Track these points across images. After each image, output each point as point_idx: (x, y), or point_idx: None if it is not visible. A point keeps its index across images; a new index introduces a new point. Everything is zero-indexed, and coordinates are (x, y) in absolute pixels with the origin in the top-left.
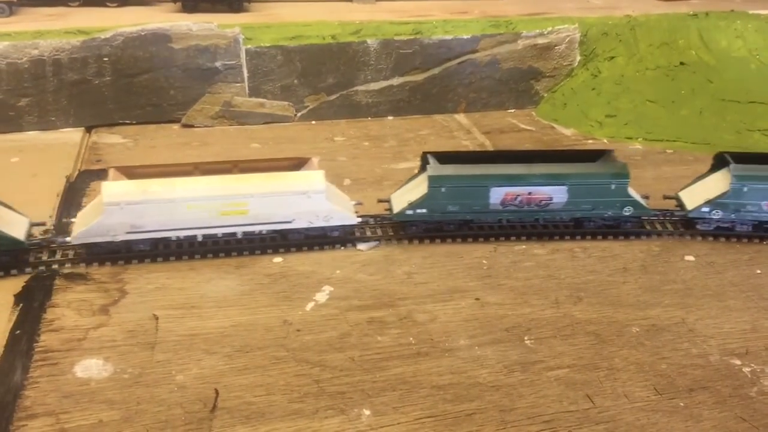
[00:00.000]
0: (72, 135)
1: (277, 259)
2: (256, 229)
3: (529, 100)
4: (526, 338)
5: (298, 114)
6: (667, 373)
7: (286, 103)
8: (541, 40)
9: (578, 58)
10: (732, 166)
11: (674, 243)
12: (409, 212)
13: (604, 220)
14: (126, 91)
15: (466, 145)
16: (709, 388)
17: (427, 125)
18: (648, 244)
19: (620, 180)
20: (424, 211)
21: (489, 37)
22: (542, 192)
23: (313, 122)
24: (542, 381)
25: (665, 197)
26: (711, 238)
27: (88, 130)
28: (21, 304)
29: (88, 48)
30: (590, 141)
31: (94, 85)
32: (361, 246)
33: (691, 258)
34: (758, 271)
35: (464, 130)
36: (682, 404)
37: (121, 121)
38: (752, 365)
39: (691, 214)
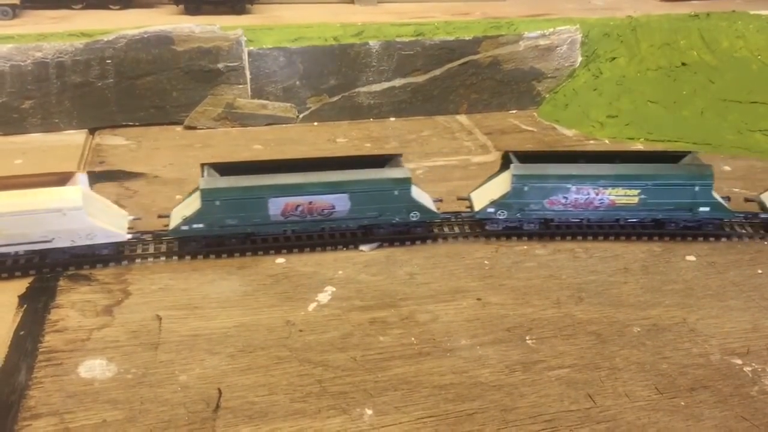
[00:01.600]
0: (75, 137)
1: (280, 260)
2: (11, 250)
3: (530, 100)
4: (527, 338)
5: (300, 115)
6: (668, 373)
7: (289, 104)
8: (542, 41)
9: (580, 59)
10: (512, 166)
11: (676, 243)
12: (185, 228)
13: (392, 227)
14: (129, 93)
15: (468, 146)
16: (710, 388)
17: (429, 126)
18: (649, 244)
19: (403, 186)
20: (200, 225)
21: (490, 38)
22: (323, 201)
23: (315, 123)
24: (543, 380)
25: (458, 198)
26: (712, 239)
27: (92, 132)
28: (25, 305)
29: (91, 50)
30: (592, 141)
31: (97, 87)
32: (363, 247)
33: (692, 258)
34: (759, 271)
35: (466, 131)
36: (683, 403)
37: (124, 123)
38: (753, 365)
39: (478, 215)
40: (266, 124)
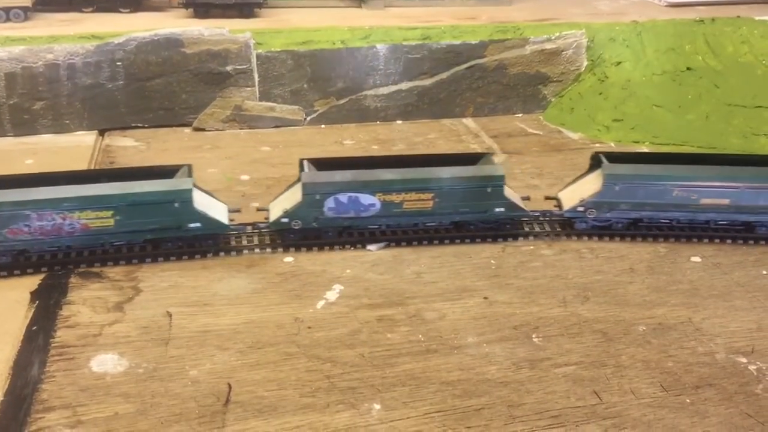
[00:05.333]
0: (85, 138)
1: (288, 259)
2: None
3: (536, 104)
4: (533, 336)
5: (308, 118)
6: (673, 371)
7: (296, 107)
8: (548, 46)
9: (585, 63)
10: None
11: (681, 244)
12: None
13: None
14: (139, 95)
15: (475, 148)
16: (715, 386)
17: (435, 129)
18: (654, 245)
19: None
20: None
21: (497, 42)
22: None
23: (323, 126)
24: (550, 377)
25: None
26: (717, 240)
27: (102, 133)
28: (37, 301)
29: (102, 52)
30: (597, 145)
31: (107, 89)
32: (370, 246)
33: (697, 259)
34: (764, 272)
35: (472, 134)
36: (688, 401)
37: (133, 125)
38: (758, 363)
39: None
40: (274, 127)
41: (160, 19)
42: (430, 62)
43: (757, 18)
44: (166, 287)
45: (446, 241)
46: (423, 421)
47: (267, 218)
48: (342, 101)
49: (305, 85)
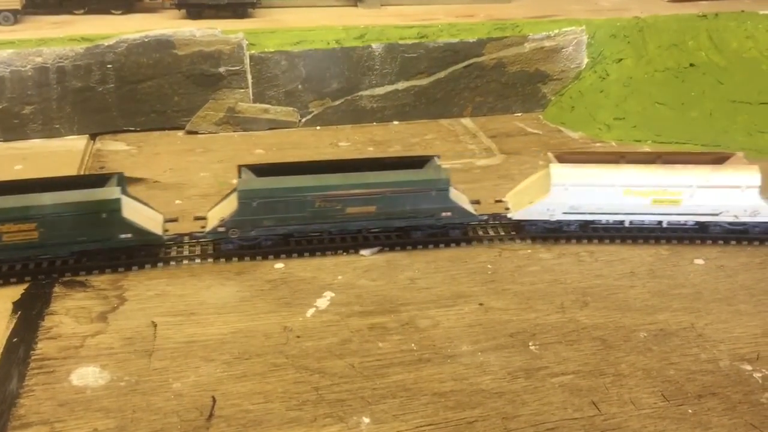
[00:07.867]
0: (76, 142)
1: (278, 265)
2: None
3: (536, 103)
4: (530, 344)
5: (303, 119)
6: (675, 379)
7: (291, 108)
8: (547, 43)
9: (586, 60)
10: None
11: (684, 247)
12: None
13: None
14: (130, 98)
15: (473, 149)
16: (719, 395)
17: (433, 130)
18: (656, 247)
19: None
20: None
21: (495, 40)
22: None
23: (318, 127)
24: (546, 387)
25: None
26: (721, 242)
27: (92, 137)
28: (19, 312)
29: (92, 55)
30: (599, 144)
31: (97, 93)
32: (363, 251)
33: (700, 261)
34: None
35: (470, 134)
36: (690, 411)
37: (124, 128)
38: (763, 371)
39: None
40: (268, 129)
41: (153, 21)
42: (427, 61)
43: (761, 12)
44: (153, 296)
45: (441, 245)
46: None
47: None
48: (337, 102)
49: (300, 86)
